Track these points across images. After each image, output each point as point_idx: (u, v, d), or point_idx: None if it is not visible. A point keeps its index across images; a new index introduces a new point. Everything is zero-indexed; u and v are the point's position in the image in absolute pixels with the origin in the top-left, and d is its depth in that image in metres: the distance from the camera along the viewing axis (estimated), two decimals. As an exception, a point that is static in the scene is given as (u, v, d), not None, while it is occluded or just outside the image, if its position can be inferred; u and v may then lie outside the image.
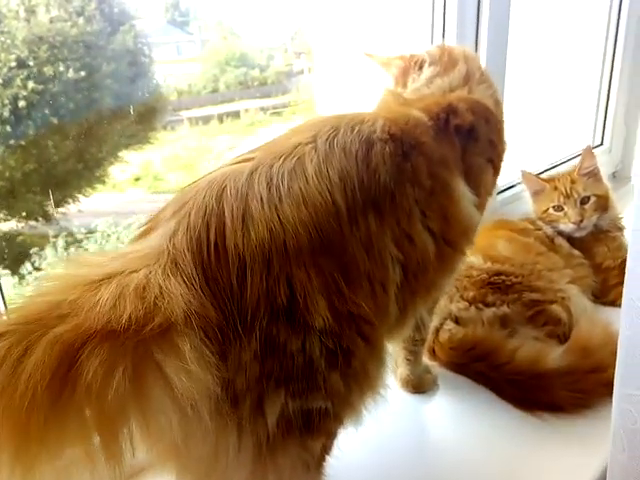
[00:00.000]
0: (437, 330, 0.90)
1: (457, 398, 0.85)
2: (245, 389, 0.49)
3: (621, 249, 1.10)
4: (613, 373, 0.81)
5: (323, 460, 0.61)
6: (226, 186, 0.53)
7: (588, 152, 1.09)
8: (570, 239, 1.09)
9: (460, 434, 0.79)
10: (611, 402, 0.79)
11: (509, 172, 1.29)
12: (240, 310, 0.48)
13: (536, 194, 1.13)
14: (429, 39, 1.07)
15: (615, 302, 1.06)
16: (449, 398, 0.86)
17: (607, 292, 1.07)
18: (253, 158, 0.57)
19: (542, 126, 1.53)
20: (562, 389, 0.79)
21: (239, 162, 0.57)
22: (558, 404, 0.79)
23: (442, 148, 0.67)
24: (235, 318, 0.48)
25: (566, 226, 1.08)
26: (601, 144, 1.64)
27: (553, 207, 1.09)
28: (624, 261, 1.06)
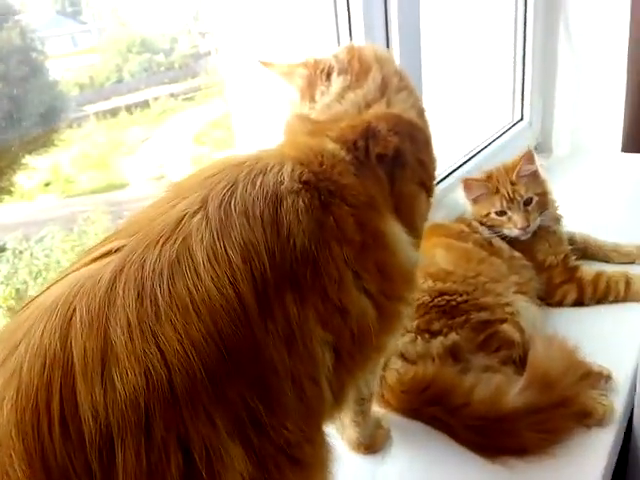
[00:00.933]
0: (383, 370, 0.80)
1: (413, 446, 0.77)
2: None
3: (562, 243, 1.05)
4: (580, 403, 0.75)
5: None
6: (75, 311, 0.38)
7: (528, 156, 1.01)
8: (509, 240, 1.02)
9: None
10: (581, 435, 0.73)
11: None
12: None
13: (476, 199, 1.04)
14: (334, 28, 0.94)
15: (562, 302, 1.01)
16: (405, 448, 0.77)
17: (553, 292, 1.02)
18: (120, 248, 0.42)
19: (462, 107, 1.46)
20: (526, 430, 0.71)
21: (98, 257, 0.42)
22: (523, 447, 0.71)
23: (367, 187, 0.56)
24: None
25: (511, 231, 1.00)
26: (521, 119, 1.60)
27: (496, 212, 1.01)
28: (567, 256, 1.01)
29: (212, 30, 1.24)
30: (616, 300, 1.00)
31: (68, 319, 0.37)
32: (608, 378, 0.81)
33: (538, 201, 1.01)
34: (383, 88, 0.65)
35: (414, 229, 0.63)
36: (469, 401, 0.73)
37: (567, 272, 1.01)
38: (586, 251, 1.12)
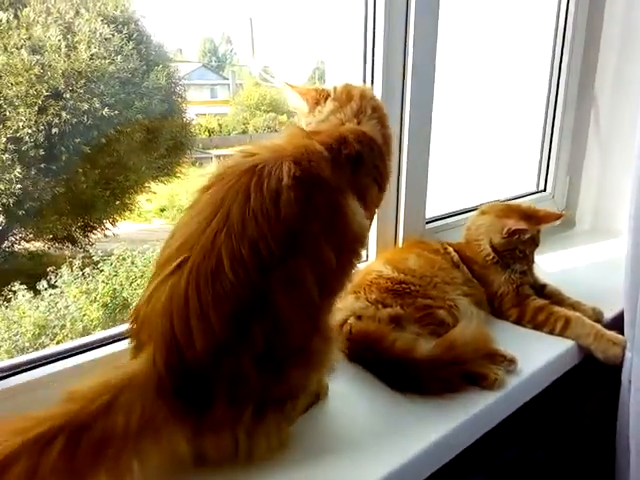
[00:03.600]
0: (342, 324, 1.05)
1: (349, 383, 0.99)
2: None
3: (521, 277, 1.23)
4: (476, 367, 0.96)
5: None
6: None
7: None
8: (471, 269, 1.23)
9: (348, 411, 0.93)
10: (466, 391, 0.94)
11: (449, 202, 1.49)
12: None
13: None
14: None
15: (507, 320, 1.20)
16: (343, 384, 0.98)
17: (499, 311, 1.21)
18: (186, 259, 0.69)
19: (489, 169, 1.71)
20: (426, 375, 0.93)
21: (174, 271, 0.69)
22: (424, 387, 0.94)
23: (338, 177, 0.81)
24: None
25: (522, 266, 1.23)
26: (544, 190, 1.81)
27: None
28: (521, 285, 1.21)
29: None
30: (551, 333, 1.14)
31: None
32: (511, 362, 1.01)
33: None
34: (358, 114, 0.93)
35: (367, 209, 0.88)
36: (391, 347, 0.97)
37: (517, 298, 1.19)
38: (552, 299, 1.24)
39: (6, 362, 0.85)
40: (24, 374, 0.86)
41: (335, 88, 0.99)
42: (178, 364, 0.67)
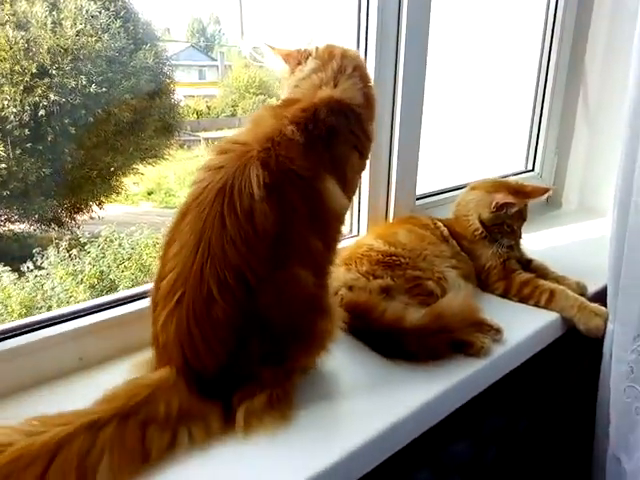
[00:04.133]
0: (334, 295, 1.07)
1: (341, 351, 1.00)
2: None
3: (507, 252, 1.25)
4: (462, 335, 0.99)
5: None
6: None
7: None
8: (460, 244, 1.25)
9: (341, 377, 0.96)
10: (454, 359, 0.97)
11: (439, 180, 1.51)
12: None
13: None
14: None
15: (492, 292, 1.23)
16: (335, 352, 1.01)
17: (486, 284, 1.24)
18: (182, 294, 0.75)
19: (478, 149, 1.73)
20: (415, 343, 0.96)
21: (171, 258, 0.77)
22: (412, 354, 0.96)
23: (310, 159, 0.81)
24: None
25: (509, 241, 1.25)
26: (532, 170, 1.84)
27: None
28: (508, 259, 1.23)
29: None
30: (536, 306, 1.17)
31: None
32: (498, 332, 1.04)
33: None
34: (337, 73, 0.90)
35: (346, 180, 0.88)
36: (381, 317, 0.99)
37: (504, 272, 1.22)
38: (537, 274, 1.27)
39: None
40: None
41: (317, 48, 0.97)
42: (196, 379, 0.76)
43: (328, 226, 0.84)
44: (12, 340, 0.85)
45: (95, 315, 0.93)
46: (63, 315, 0.91)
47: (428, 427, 0.90)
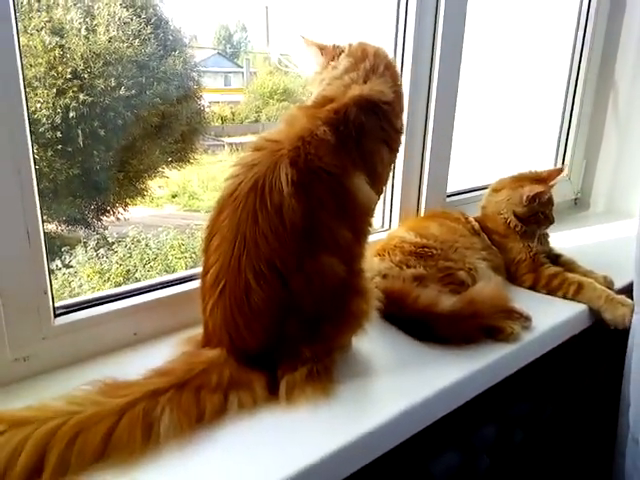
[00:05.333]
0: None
1: (376, 336, 1.04)
2: None
3: (537, 246, 1.30)
4: (493, 320, 1.03)
5: None
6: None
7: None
8: (490, 238, 1.30)
9: (377, 357, 1.00)
10: (484, 343, 1.01)
11: (469, 179, 1.56)
12: None
13: None
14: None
15: (520, 285, 1.28)
16: (371, 337, 1.03)
17: (515, 277, 1.29)
18: (225, 285, 0.81)
19: (508, 153, 1.78)
20: (447, 328, 1.01)
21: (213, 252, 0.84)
22: (445, 338, 1.01)
23: (340, 157, 0.85)
24: None
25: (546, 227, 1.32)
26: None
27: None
28: (537, 253, 1.27)
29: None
30: (564, 297, 1.21)
31: None
32: (527, 319, 1.08)
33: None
34: (370, 72, 0.94)
35: (376, 174, 0.92)
36: (414, 302, 1.04)
37: (533, 265, 1.27)
38: (565, 268, 1.30)
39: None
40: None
41: (350, 45, 0.99)
42: (243, 357, 0.83)
43: (357, 218, 0.89)
44: (77, 313, 0.92)
45: (150, 294, 1.00)
46: (122, 293, 0.98)
47: (457, 406, 0.95)
